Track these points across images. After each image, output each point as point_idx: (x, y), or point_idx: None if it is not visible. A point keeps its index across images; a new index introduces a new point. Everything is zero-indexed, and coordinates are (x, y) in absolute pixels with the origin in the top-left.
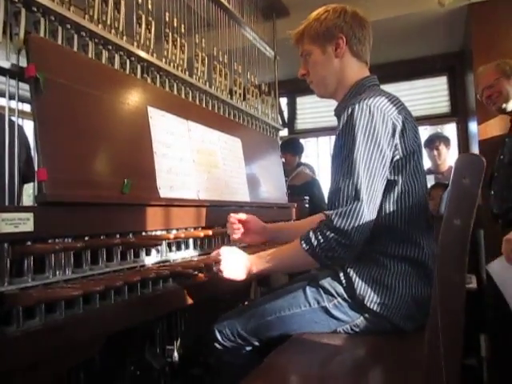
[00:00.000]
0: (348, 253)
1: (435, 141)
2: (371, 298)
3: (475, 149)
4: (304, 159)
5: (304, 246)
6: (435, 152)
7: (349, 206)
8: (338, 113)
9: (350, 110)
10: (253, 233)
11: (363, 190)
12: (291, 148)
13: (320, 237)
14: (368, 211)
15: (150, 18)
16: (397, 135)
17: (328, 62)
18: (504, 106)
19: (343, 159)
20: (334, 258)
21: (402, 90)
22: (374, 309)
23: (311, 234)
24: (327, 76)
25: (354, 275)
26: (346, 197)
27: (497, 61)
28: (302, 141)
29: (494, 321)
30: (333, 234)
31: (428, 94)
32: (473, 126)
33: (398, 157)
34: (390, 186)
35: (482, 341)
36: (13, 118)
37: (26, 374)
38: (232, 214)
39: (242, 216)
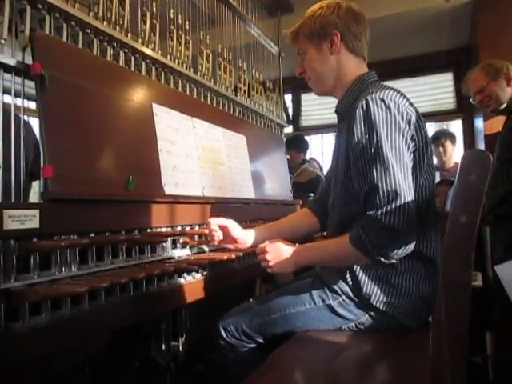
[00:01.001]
0: (403, 248)
1: (441, 137)
2: (378, 297)
3: (481, 145)
4: (308, 156)
5: (354, 243)
6: (441, 149)
7: (393, 203)
8: (340, 109)
9: (364, 106)
10: (231, 238)
11: (402, 183)
12: (296, 145)
13: (372, 235)
14: (412, 202)
15: (155, 15)
16: (412, 126)
17: (324, 60)
18: (497, 107)
19: (372, 157)
20: (387, 255)
21: (408, 86)
22: (381, 307)
23: (361, 232)
24: (324, 73)
25: (361, 273)
26: (387, 193)
27: (482, 63)
28: (306, 138)
29: (500, 319)
30: (385, 232)
31: (434, 91)
32: (479, 123)
33: (414, 148)
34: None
35: (488, 338)
36: (19, 116)
37: (33, 369)
38: (211, 220)
39: (222, 221)
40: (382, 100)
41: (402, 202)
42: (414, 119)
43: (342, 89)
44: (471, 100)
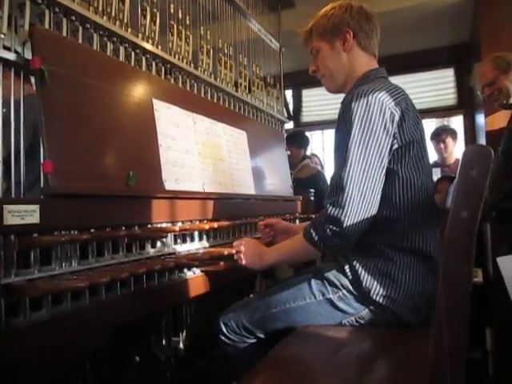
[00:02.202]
0: (343, 241)
1: (442, 133)
2: (377, 291)
3: (482, 141)
4: (309, 152)
5: (305, 236)
6: (442, 145)
7: (340, 196)
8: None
9: (348, 100)
10: (281, 234)
11: (354, 179)
12: (297, 141)
13: (318, 226)
14: (360, 200)
15: (155, 10)
16: (395, 124)
17: (337, 57)
18: (506, 101)
19: (341, 149)
20: (330, 246)
21: (409, 82)
22: (380, 301)
23: (310, 224)
24: (337, 70)
25: (360, 268)
26: (337, 186)
27: (492, 56)
28: (307, 133)
29: (500, 315)
30: (327, 223)
31: (435, 87)
32: (480, 119)
33: (396, 145)
34: (390, 174)
35: (488, 334)
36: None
37: (33, 365)
38: (260, 222)
39: (269, 221)
40: (366, 96)
41: (349, 197)
42: (397, 118)
43: (350, 85)
44: (478, 93)
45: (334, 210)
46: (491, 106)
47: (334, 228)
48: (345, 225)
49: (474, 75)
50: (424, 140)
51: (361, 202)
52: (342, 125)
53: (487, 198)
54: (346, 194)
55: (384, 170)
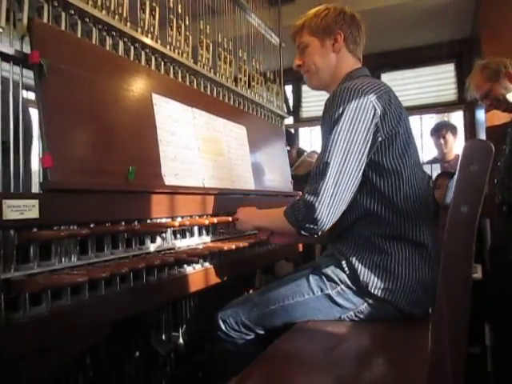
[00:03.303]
0: (316, 226)
1: (442, 129)
2: (375, 284)
3: (482, 137)
4: (309, 148)
5: (285, 215)
6: (442, 140)
7: (317, 184)
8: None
9: (331, 95)
10: (277, 233)
11: (332, 170)
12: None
13: (295, 209)
14: (334, 191)
15: (154, 4)
16: (377, 117)
17: (325, 55)
18: (508, 106)
19: (324, 141)
20: (304, 229)
21: (409, 77)
22: (379, 294)
23: (291, 205)
24: (323, 68)
25: (357, 262)
26: (317, 175)
27: (478, 66)
28: (307, 129)
29: (499, 310)
30: (303, 208)
31: (435, 82)
32: (480, 114)
33: (380, 138)
34: (377, 167)
35: (487, 329)
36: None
37: (33, 360)
38: None
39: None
40: (349, 91)
41: (324, 186)
42: (379, 112)
43: (335, 84)
44: (479, 103)
45: (310, 197)
46: None
47: (308, 213)
48: (318, 211)
49: (468, 88)
50: (409, 131)
51: (335, 193)
52: (326, 118)
53: (496, 194)
54: (322, 183)
55: (362, 166)
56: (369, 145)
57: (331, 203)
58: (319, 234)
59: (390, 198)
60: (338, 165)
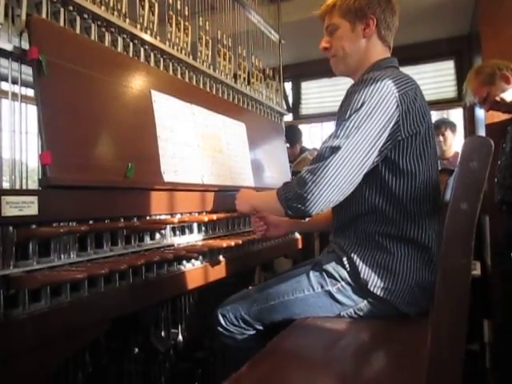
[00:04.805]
0: (303, 207)
1: (441, 126)
2: (375, 283)
3: (482, 134)
4: (310, 145)
5: (277, 192)
6: (441, 138)
7: (318, 163)
8: None
9: (355, 82)
10: (272, 226)
11: (338, 154)
12: (288, 139)
13: (288, 186)
14: (335, 175)
15: (154, 0)
16: (399, 115)
17: (355, 40)
18: (508, 107)
19: (338, 124)
20: (291, 207)
21: (408, 74)
22: (378, 293)
23: (285, 182)
24: (351, 54)
25: (358, 260)
26: (319, 156)
27: (473, 72)
28: (306, 126)
29: (497, 307)
30: (296, 186)
31: (434, 79)
32: (480, 111)
33: (400, 138)
34: (391, 165)
35: (486, 327)
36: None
37: (32, 356)
38: (252, 216)
39: (261, 214)
40: (375, 81)
41: (324, 167)
42: (402, 108)
43: (361, 72)
44: (478, 108)
45: (306, 174)
46: None
47: (300, 191)
48: (310, 191)
49: (466, 94)
50: (430, 132)
51: (333, 179)
52: (345, 104)
53: (496, 193)
54: (323, 165)
55: (371, 161)
56: (383, 141)
57: (326, 188)
58: (305, 217)
59: (400, 198)
60: (346, 153)
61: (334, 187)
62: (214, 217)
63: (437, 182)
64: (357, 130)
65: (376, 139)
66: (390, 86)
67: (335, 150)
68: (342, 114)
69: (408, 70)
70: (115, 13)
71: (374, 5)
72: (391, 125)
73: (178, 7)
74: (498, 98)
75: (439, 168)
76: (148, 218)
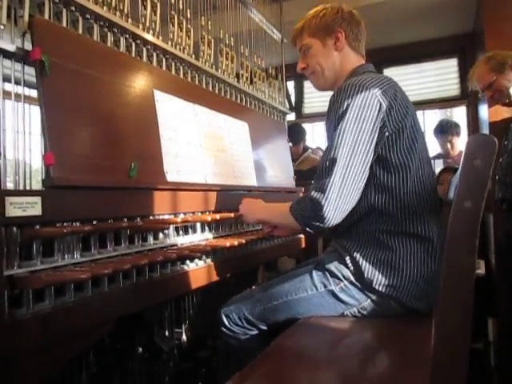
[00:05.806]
0: (322, 224)
1: (447, 133)
2: (379, 281)
3: (485, 132)
4: (312, 144)
5: (291, 211)
6: (448, 145)
7: (324, 181)
8: None
9: (335, 91)
10: (279, 227)
11: (338, 165)
12: (292, 138)
13: (302, 206)
14: (341, 187)
15: (156, 0)
16: (383, 111)
17: (328, 54)
18: (508, 100)
19: (329, 137)
20: (310, 226)
21: (411, 72)
22: (384, 291)
23: (297, 201)
24: (328, 68)
25: (361, 259)
26: (323, 171)
27: (484, 57)
28: (309, 125)
29: (502, 306)
30: (310, 206)
31: (438, 77)
32: (483, 110)
33: (387, 133)
34: (384, 162)
35: (490, 325)
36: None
37: (37, 356)
38: None
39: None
40: (354, 87)
41: (330, 182)
42: (384, 106)
43: (340, 82)
44: (480, 95)
45: (316, 194)
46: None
47: (316, 211)
48: (325, 208)
49: (471, 78)
50: (416, 125)
51: (342, 190)
52: (331, 114)
53: (496, 191)
54: (329, 180)
55: (369, 162)
56: (375, 140)
57: (338, 200)
58: (325, 231)
59: (396, 192)
60: (344, 161)
61: (344, 197)
62: (217, 216)
63: (430, 174)
64: (348, 136)
65: (368, 140)
66: (369, 87)
67: (334, 161)
68: (329, 125)
69: (411, 69)
70: (117, 13)
71: (339, 19)
72: (378, 123)
73: (180, 7)
74: (502, 87)
75: (443, 166)
76: (151, 217)
